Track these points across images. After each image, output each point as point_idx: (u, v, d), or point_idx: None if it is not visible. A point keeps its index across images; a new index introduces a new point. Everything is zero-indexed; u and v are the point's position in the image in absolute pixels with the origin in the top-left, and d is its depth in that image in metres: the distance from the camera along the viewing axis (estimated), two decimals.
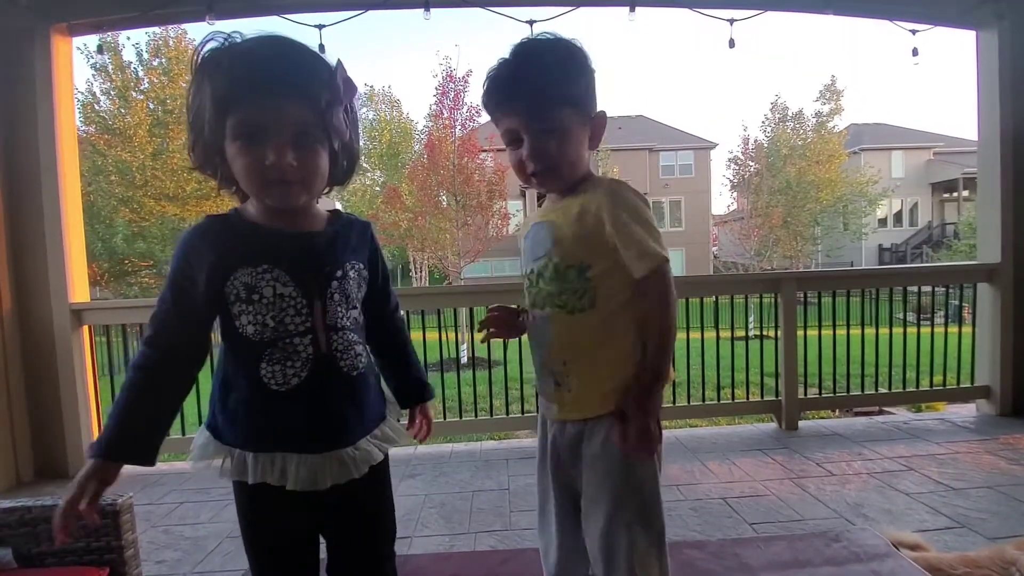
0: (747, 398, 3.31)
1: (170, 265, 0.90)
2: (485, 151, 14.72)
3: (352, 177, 1.00)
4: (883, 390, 3.38)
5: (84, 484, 0.82)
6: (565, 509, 1.11)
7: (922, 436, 2.86)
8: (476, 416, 3.19)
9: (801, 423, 3.09)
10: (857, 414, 4.15)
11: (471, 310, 3.37)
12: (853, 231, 21.39)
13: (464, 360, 5.76)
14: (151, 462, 0.87)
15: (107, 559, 1.24)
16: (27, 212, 2.68)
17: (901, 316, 3.86)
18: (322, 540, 1.01)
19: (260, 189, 0.85)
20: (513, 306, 1.17)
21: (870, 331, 3.34)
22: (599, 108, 1.06)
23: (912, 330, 3.53)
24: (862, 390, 3.33)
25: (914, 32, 3.11)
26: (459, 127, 14.18)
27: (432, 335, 3.19)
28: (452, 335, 4.31)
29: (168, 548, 2.01)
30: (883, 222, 24.87)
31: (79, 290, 2.78)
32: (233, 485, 0.92)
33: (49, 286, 2.69)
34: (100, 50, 10.58)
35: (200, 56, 0.85)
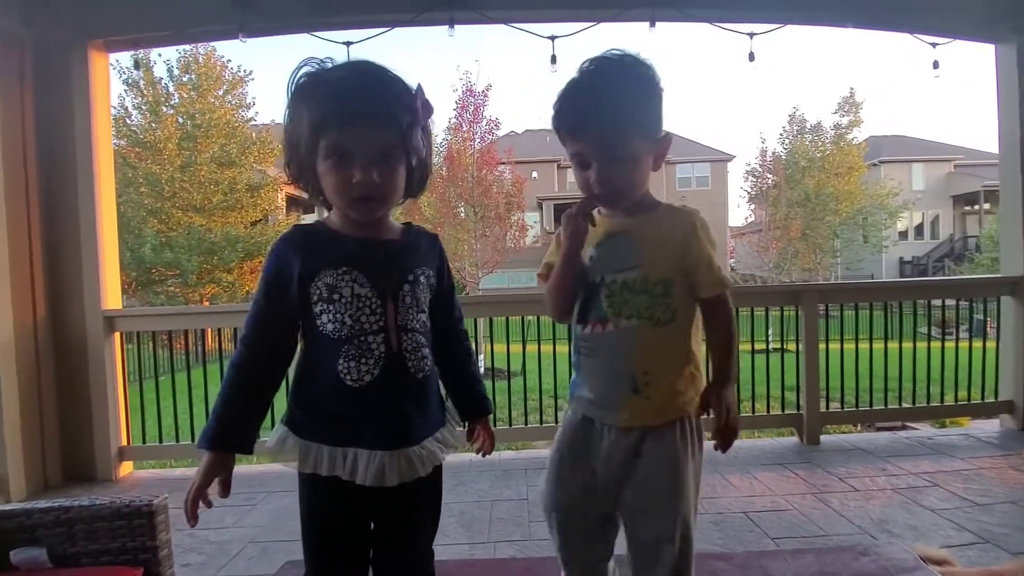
0: (767, 411, 3.28)
1: (262, 271, 0.98)
2: (503, 163, 14.86)
3: (424, 189, 1.08)
4: (906, 405, 3.32)
5: (205, 474, 0.93)
6: (591, 521, 1.14)
7: (946, 451, 2.81)
8: (495, 426, 3.19)
9: (823, 437, 3.06)
10: (880, 429, 4.07)
11: (490, 320, 3.40)
12: (873, 244, 21.05)
13: (481, 370, 5.75)
14: (250, 451, 0.95)
15: (141, 559, 1.27)
16: (63, 221, 2.78)
17: (924, 330, 3.80)
18: None
19: (347, 204, 0.95)
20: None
21: (892, 345, 3.28)
22: (664, 131, 1.08)
23: (935, 344, 3.47)
24: (885, 404, 3.27)
25: (934, 45, 3.10)
26: (478, 140, 14.36)
27: None
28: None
29: (192, 551, 2.04)
30: (904, 235, 24.45)
31: (111, 297, 2.87)
32: (300, 477, 0.99)
33: (83, 293, 2.78)
34: (136, 66, 10.98)
35: (296, 81, 0.94)
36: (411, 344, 0.98)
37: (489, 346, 3.32)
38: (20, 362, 2.62)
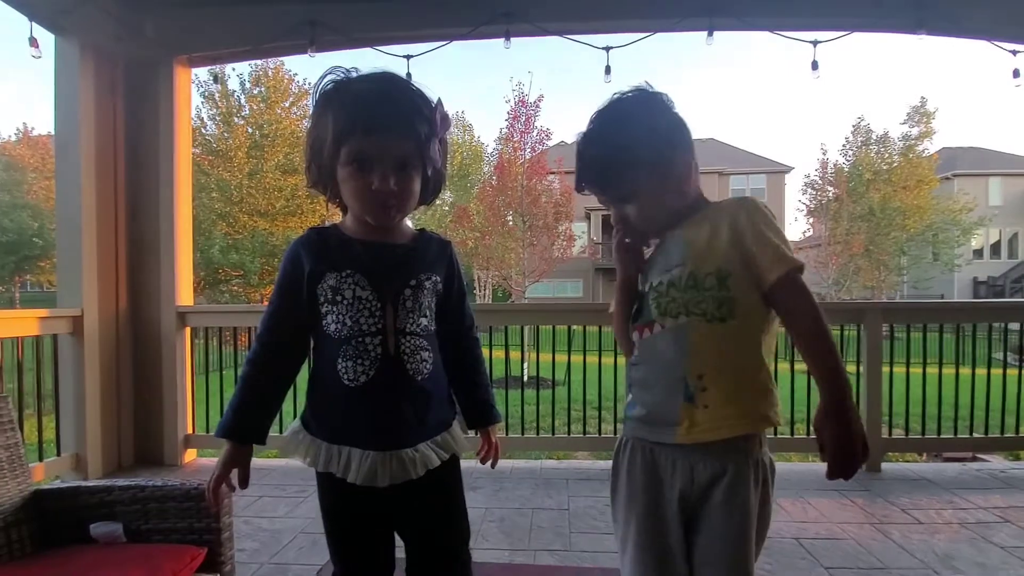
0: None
1: (279, 271, 1.03)
2: (553, 173, 14.88)
3: (437, 197, 1.12)
4: (977, 435, 3.12)
5: (224, 464, 0.99)
6: (650, 542, 1.02)
7: (1019, 486, 2.62)
8: (538, 434, 3.21)
9: (884, 465, 2.89)
10: (947, 459, 3.81)
11: (537, 329, 3.41)
12: (944, 262, 19.69)
13: (526, 379, 5.81)
14: (262, 441, 1.00)
15: (206, 539, 1.36)
16: (146, 223, 3.01)
17: (999, 356, 3.53)
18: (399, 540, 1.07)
19: (364, 209, 0.98)
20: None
21: (964, 371, 3.08)
22: (678, 151, 1.05)
23: (1011, 372, 3.21)
24: (954, 433, 3.07)
25: (1015, 53, 2.91)
26: (528, 150, 14.45)
27: (496, 352, 3.25)
28: (516, 353, 4.35)
29: (247, 538, 2.15)
30: (979, 253, 22.80)
31: (184, 294, 3.08)
32: (316, 476, 1.03)
33: (160, 289, 3.00)
34: (215, 80, 11.77)
35: (321, 88, 0.98)
36: (409, 347, 0.99)
37: (535, 355, 3.33)
38: (103, 351, 2.85)
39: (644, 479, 1.02)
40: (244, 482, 1.00)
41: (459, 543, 1.09)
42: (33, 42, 2.64)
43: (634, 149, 1.03)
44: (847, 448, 0.86)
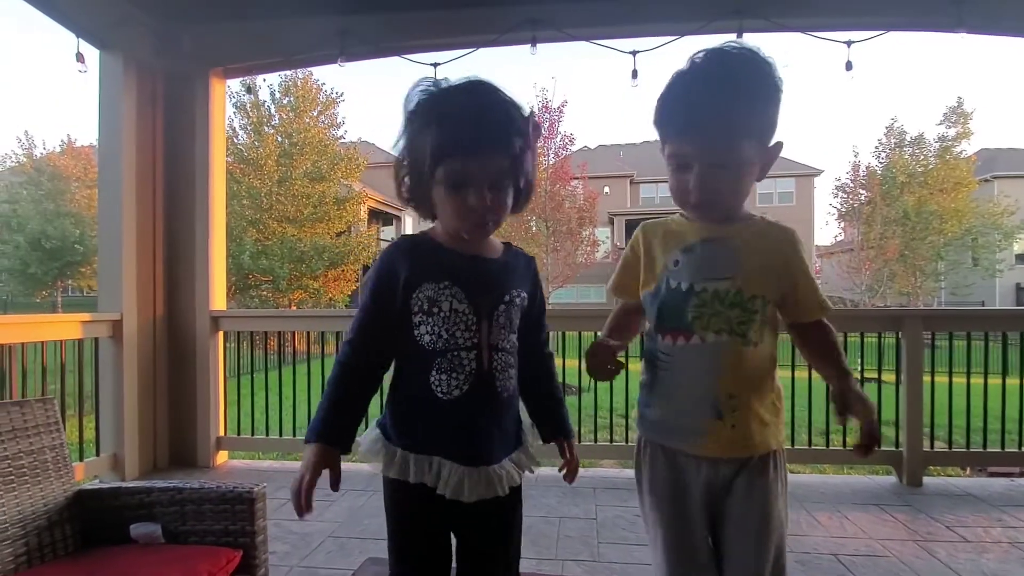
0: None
1: (372, 276, 1.01)
2: (576, 178, 14.86)
3: (528, 204, 1.09)
4: None
5: (314, 467, 0.93)
6: (678, 541, 1.04)
7: None
8: None
9: (926, 479, 2.78)
10: (993, 474, 3.64)
11: (563, 335, 3.39)
12: (985, 267, 18.94)
13: None
14: (348, 449, 0.96)
15: (241, 542, 1.37)
16: (182, 230, 3.10)
17: None
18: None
19: (461, 226, 0.97)
20: (612, 343, 1.10)
21: (1011, 382, 2.94)
22: (776, 139, 0.99)
23: None
24: (1002, 447, 2.92)
25: None
26: (552, 155, 14.47)
27: None
28: None
29: (278, 540, 2.17)
30: (1021, 258, 21.84)
31: (218, 299, 3.15)
32: (385, 481, 1.01)
33: (195, 294, 3.08)
34: (248, 90, 12.12)
35: (416, 102, 0.96)
36: (501, 363, 0.99)
37: (560, 361, 3.31)
38: (141, 354, 2.93)
39: (667, 476, 1.04)
40: (337, 484, 0.95)
41: (511, 563, 1.08)
42: (80, 57, 2.75)
43: (758, 114, 0.95)
44: (875, 420, 0.99)
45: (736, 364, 0.97)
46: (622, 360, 1.07)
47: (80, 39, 2.75)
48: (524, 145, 0.95)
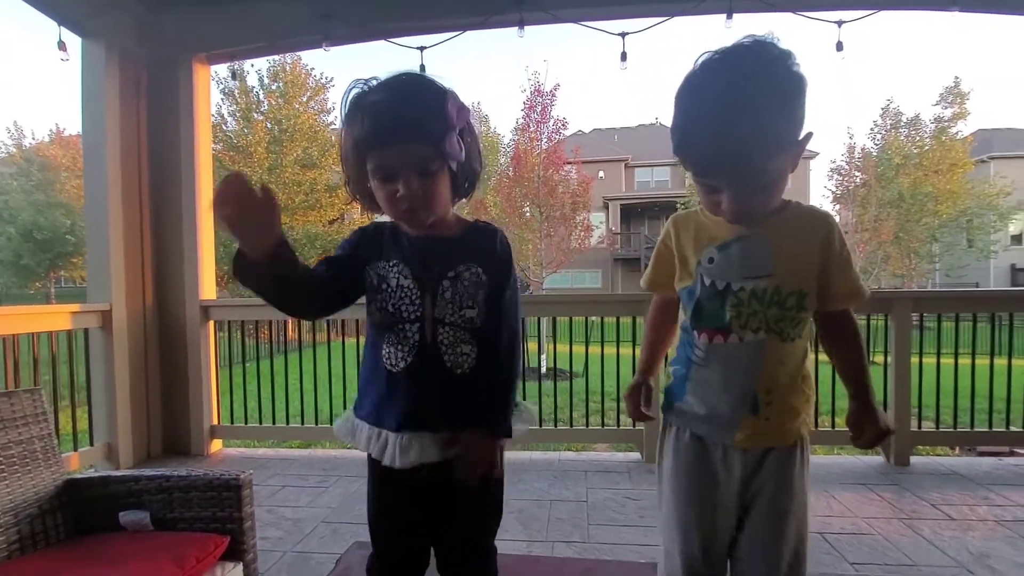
0: (847, 426, 3.05)
1: (339, 245, 1.09)
2: (570, 163, 14.78)
3: (475, 189, 1.11)
4: (1015, 428, 3.00)
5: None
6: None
7: None
8: (554, 425, 3.20)
9: (913, 458, 2.82)
10: (981, 453, 3.69)
11: (555, 320, 3.40)
12: (980, 249, 18.99)
13: (544, 370, 5.83)
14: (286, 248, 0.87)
15: (228, 528, 1.39)
16: (169, 219, 3.08)
17: None
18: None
19: (396, 216, 1.03)
20: (643, 384, 1.15)
21: (1000, 361, 2.96)
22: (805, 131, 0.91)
23: None
24: (989, 427, 2.96)
25: None
26: (545, 139, 14.36)
27: None
28: (533, 345, 4.34)
29: (271, 526, 2.19)
30: (1017, 239, 21.95)
31: (207, 288, 3.14)
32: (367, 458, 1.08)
33: (184, 284, 3.06)
34: (233, 76, 11.97)
35: (345, 104, 1.00)
36: (447, 338, 1.01)
37: (552, 346, 3.32)
38: (131, 344, 2.93)
39: (692, 460, 1.06)
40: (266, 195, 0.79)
41: (485, 535, 1.12)
42: (62, 46, 2.70)
43: (790, 122, 0.88)
44: (883, 438, 1.01)
45: (774, 362, 0.99)
46: (652, 402, 1.15)
47: (62, 27, 2.70)
48: (446, 127, 0.96)
